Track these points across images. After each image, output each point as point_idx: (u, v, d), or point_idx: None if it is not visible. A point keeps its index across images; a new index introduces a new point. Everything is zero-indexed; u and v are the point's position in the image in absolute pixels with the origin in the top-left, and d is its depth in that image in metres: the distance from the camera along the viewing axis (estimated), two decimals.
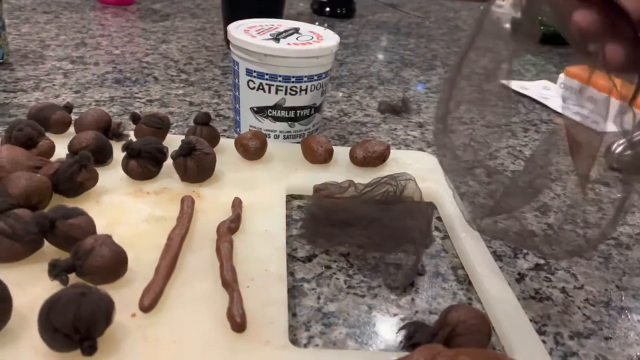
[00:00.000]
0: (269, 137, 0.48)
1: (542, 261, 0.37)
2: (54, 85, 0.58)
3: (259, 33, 0.46)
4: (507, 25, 1.22)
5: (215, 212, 0.36)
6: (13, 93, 0.54)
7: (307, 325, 0.30)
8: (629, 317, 0.33)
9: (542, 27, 1.02)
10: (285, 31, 0.48)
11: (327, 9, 1.05)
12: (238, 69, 0.46)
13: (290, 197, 0.41)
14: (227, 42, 0.78)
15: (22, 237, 0.29)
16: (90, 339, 0.24)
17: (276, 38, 0.45)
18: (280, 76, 0.45)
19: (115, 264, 0.28)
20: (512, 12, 1.16)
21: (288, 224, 0.38)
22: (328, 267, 0.35)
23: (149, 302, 0.27)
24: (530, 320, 0.31)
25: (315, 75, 0.46)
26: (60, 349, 0.24)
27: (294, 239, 0.37)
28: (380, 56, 0.83)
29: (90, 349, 0.24)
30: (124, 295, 0.28)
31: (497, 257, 0.37)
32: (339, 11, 1.05)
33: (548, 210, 0.44)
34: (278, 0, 0.74)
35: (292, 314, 0.30)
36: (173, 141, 0.43)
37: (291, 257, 0.35)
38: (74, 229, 0.30)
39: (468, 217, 0.36)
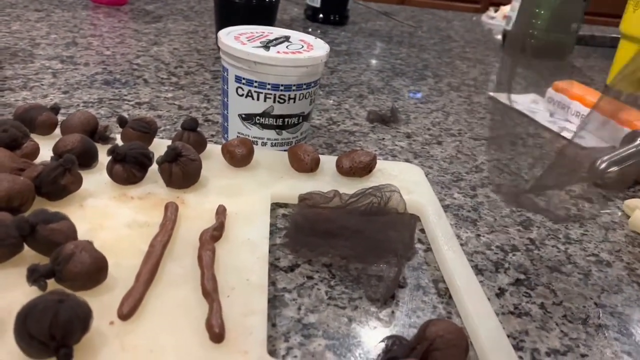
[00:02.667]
0: (257, 145, 0.48)
1: (522, 276, 0.38)
2: (42, 85, 0.57)
3: (249, 40, 0.46)
4: (499, 37, 1.24)
5: (199, 220, 0.36)
6: (0, 92, 0.54)
7: (286, 336, 0.30)
8: (606, 334, 0.34)
9: (533, 40, 1.03)
10: (276, 39, 0.48)
11: (321, 15, 1.05)
12: (227, 75, 0.46)
13: (276, 205, 0.42)
14: (219, 46, 0.78)
15: (1, 240, 0.29)
16: (66, 347, 0.24)
17: (266, 46, 0.46)
18: (269, 84, 0.45)
19: (95, 270, 0.28)
20: (503, 24, 1.17)
21: (272, 233, 0.38)
22: (310, 278, 0.35)
23: (128, 310, 0.27)
24: (508, 336, 0.32)
25: (304, 84, 0.46)
26: (36, 356, 0.24)
27: (277, 248, 0.37)
28: (372, 64, 0.84)
29: (66, 357, 0.24)
30: (104, 302, 0.28)
31: (479, 271, 0.38)
32: (332, 18, 1.05)
33: (531, 225, 0.45)
34: (271, 6, 0.74)
35: (272, 324, 0.30)
36: (160, 146, 0.43)
37: (273, 267, 0.35)
38: (54, 233, 0.30)
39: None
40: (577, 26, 1.00)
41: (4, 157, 0.35)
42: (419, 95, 0.72)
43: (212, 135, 0.52)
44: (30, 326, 0.23)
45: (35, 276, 0.27)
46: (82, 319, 0.24)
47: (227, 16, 0.72)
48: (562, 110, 0.71)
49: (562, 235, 0.44)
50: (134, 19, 0.89)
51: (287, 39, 0.49)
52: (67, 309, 0.24)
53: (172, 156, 0.38)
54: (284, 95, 0.46)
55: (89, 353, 0.25)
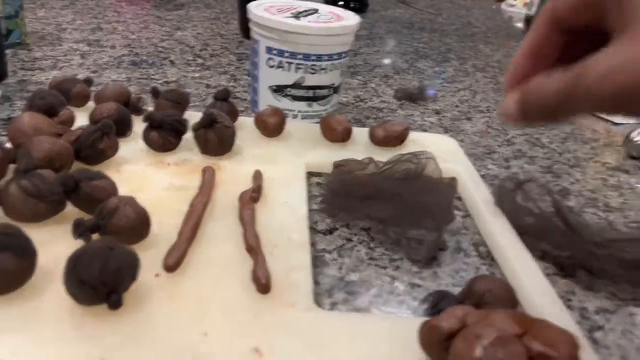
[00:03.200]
0: (287, 117, 0.47)
1: (566, 240, 0.37)
2: (72, 65, 0.58)
3: (279, 11, 0.46)
4: (520, 24, 1.23)
5: (236, 184, 0.36)
6: (31, 71, 0.54)
7: (330, 293, 0.29)
8: None
9: None
10: (305, 11, 0.48)
11: (340, 2, 1.04)
12: (258, 47, 0.46)
13: (309, 174, 0.41)
14: (243, 30, 0.78)
15: (46, 196, 0.29)
16: (116, 293, 0.24)
17: (297, 16, 0.45)
18: (300, 54, 0.45)
19: (139, 224, 0.28)
20: (524, 11, 1.16)
21: (308, 199, 0.38)
22: (349, 240, 0.34)
23: (173, 262, 0.27)
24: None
25: (335, 54, 0.46)
26: (86, 302, 0.24)
27: (314, 213, 0.37)
28: (395, 48, 0.83)
29: (116, 303, 0.23)
30: (147, 257, 0.28)
31: (520, 235, 0.37)
32: (351, 5, 1.05)
33: (568, 193, 0.44)
34: None
35: (315, 282, 0.30)
36: (192, 117, 0.42)
37: (312, 230, 0.35)
38: (97, 190, 0.30)
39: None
40: None
41: (43, 123, 0.35)
42: (431, 91, 0.71)
43: (241, 111, 0.52)
44: (80, 271, 0.23)
45: (81, 230, 0.27)
46: (131, 267, 0.24)
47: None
48: None
49: (601, 204, 0.43)
50: (156, 7, 0.89)
51: (316, 11, 0.49)
52: (116, 256, 0.24)
53: (208, 122, 0.38)
54: (315, 65, 0.45)
55: (138, 302, 0.25)
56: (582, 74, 0.21)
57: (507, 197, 0.37)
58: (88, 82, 0.44)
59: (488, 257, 0.34)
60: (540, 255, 0.35)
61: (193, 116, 0.43)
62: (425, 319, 0.27)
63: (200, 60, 0.65)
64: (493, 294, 0.27)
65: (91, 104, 0.44)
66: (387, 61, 0.75)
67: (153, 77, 0.58)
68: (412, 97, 0.60)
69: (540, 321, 0.23)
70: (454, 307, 0.24)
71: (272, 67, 0.46)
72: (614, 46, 0.21)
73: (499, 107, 0.28)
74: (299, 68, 0.45)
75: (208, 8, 0.94)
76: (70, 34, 0.68)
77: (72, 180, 0.29)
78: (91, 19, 0.77)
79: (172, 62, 0.63)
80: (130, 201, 0.28)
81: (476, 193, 0.39)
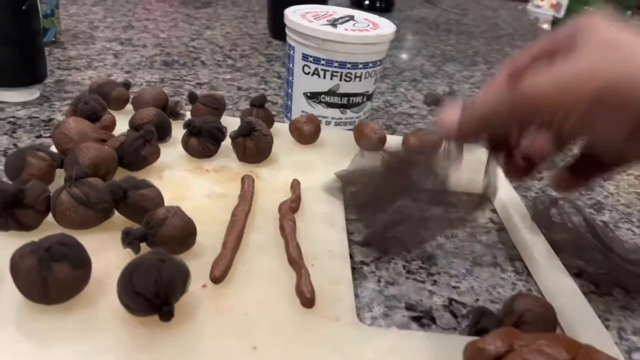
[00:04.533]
0: (320, 123, 0.48)
1: (601, 256, 0.37)
2: (106, 65, 0.58)
3: (315, 18, 0.46)
4: (546, 26, 1.21)
5: (275, 193, 0.36)
6: (67, 71, 0.55)
7: (369, 306, 0.30)
8: None
9: None
10: (341, 18, 0.48)
11: (366, 2, 1.04)
12: (294, 53, 0.46)
13: None
14: (271, 30, 0.78)
15: (95, 204, 0.29)
16: (169, 304, 0.24)
17: (333, 24, 0.46)
18: (336, 62, 0.45)
19: (186, 234, 0.29)
20: (551, 12, 1.14)
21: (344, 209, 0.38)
22: (386, 252, 0.35)
23: (220, 274, 0.28)
24: None
25: (371, 62, 0.46)
26: (139, 313, 0.24)
27: (350, 223, 0.37)
28: (422, 50, 0.83)
29: (168, 315, 0.24)
30: (193, 267, 0.28)
31: (556, 251, 0.37)
32: (377, 4, 1.05)
33: (602, 208, 0.44)
34: None
35: (355, 295, 0.30)
36: (227, 123, 0.43)
37: (349, 240, 0.35)
38: (144, 199, 0.30)
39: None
40: (631, 14, 0.97)
41: (87, 128, 0.36)
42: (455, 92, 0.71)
43: (273, 115, 0.52)
44: (136, 283, 0.24)
45: (130, 239, 0.28)
46: (182, 279, 0.25)
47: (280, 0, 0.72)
48: None
49: (635, 219, 0.43)
50: (184, 4, 0.90)
51: (352, 17, 0.49)
52: (169, 268, 0.24)
53: (247, 130, 0.38)
54: (350, 73, 0.46)
55: (187, 313, 0.26)
56: (516, 88, 0.25)
57: (543, 213, 0.37)
58: (127, 85, 0.45)
59: (524, 273, 0.34)
60: (576, 272, 0.35)
61: (230, 121, 0.44)
62: (466, 337, 0.27)
63: (230, 61, 0.65)
64: (533, 314, 0.27)
65: (129, 107, 0.45)
66: (415, 64, 0.75)
67: (185, 78, 0.58)
68: (442, 102, 0.60)
69: (588, 347, 0.23)
70: (500, 329, 0.24)
71: (307, 73, 0.46)
72: (549, 67, 0.24)
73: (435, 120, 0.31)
74: (335, 75, 0.45)
75: (235, 6, 0.94)
76: (103, 32, 0.69)
77: (121, 189, 0.30)
78: (122, 16, 0.77)
79: (203, 62, 0.64)
80: (178, 211, 0.29)
81: (510, 206, 0.39)
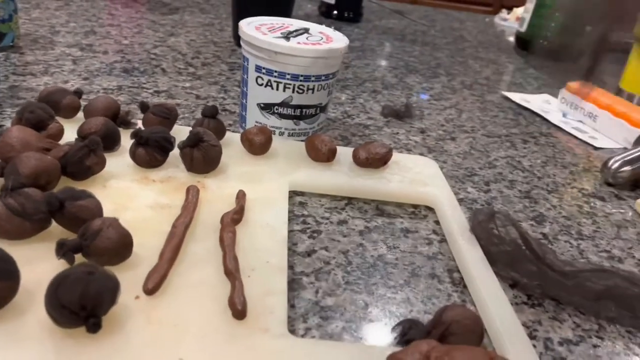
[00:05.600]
0: (274, 134, 0.48)
1: (535, 268, 0.38)
2: (63, 71, 0.58)
3: (270, 31, 0.47)
4: (511, 38, 1.25)
5: (220, 203, 0.37)
6: (22, 76, 0.55)
7: (304, 317, 0.30)
8: (617, 326, 0.34)
9: (545, 43, 1.04)
10: (296, 30, 0.49)
11: (335, 12, 1.06)
12: (248, 64, 0.47)
13: (293, 193, 0.42)
14: (235, 38, 0.78)
15: (31, 215, 0.29)
16: (96, 317, 0.24)
17: (287, 37, 0.46)
18: (288, 74, 0.46)
19: (122, 246, 0.29)
20: (516, 25, 1.18)
21: (289, 219, 0.39)
22: (327, 263, 0.35)
23: (153, 285, 0.28)
24: (522, 325, 0.32)
25: (323, 75, 0.47)
26: (66, 325, 0.25)
27: (294, 234, 0.38)
28: (385, 61, 0.84)
29: (95, 327, 0.24)
30: (128, 278, 0.28)
31: (493, 262, 0.38)
32: (346, 15, 1.06)
33: (543, 220, 0.45)
34: (288, 1, 0.75)
35: (291, 306, 0.31)
36: (180, 132, 0.43)
37: (291, 252, 0.36)
38: (82, 210, 0.30)
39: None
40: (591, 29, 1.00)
41: (31, 137, 0.36)
42: (423, 96, 0.72)
43: (230, 125, 0.53)
44: (61, 296, 0.24)
45: (64, 250, 0.28)
46: (111, 291, 0.25)
47: (244, 9, 0.73)
48: (575, 111, 0.71)
49: (574, 231, 0.44)
50: (151, 10, 0.90)
51: (306, 30, 0.49)
52: (97, 281, 0.25)
53: (194, 141, 0.39)
54: (302, 85, 0.46)
55: (116, 324, 0.26)
56: None
57: (481, 225, 0.38)
58: (78, 93, 0.45)
59: (460, 284, 0.35)
60: (511, 283, 0.36)
61: (181, 131, 0.44)
62: (396, 348, 0.28)
63: (191, 69, 0.66)
64: (460, 325, 0.28)
65: (81, 115, 0.45)
66: (376, 75, 0.76)
67: (144, 85, 0.58)
68: (399, 114, 0.62)
69: (501, 359, 0.24)
70: (420, 341, 0.25)
71: (260, 85, 0.47)
72: None
73: None
74: (287, 87, 0.46)
75: (203, 13, 0.94)
76: (64, 37, 0.69)
77: (57, 200, 0.30)
78: (85, 22, 0.77)
79: (163, 70, 0.64)
80: (114, 223, 0.29)
81: (452, 218, 0.40)
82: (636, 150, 0.55)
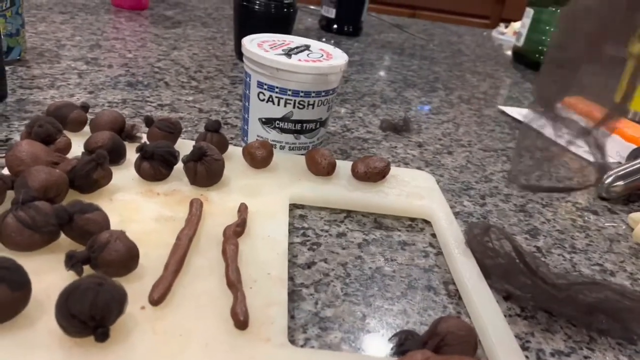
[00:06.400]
0: (275, 148, 0.50)
1: (528, 281, 0.39)
2: (69, 84, 0.60)
3: (271, 48, 0.48)
4: (509, 53, 1.26)
5: (222, 216, 0.38)
6: (29, 90, 0.56)
7: (304, 328, 0.31)
8: (607, 338, 0.35)
9: (541, 57, 1.05)
10: (297, 47, 0.50)
11: (335, 26, 1.07)
12: (250, 80, 0.48)
13: (293, 206, 0.43)
14: (237, 52, 0.80)
15: (41, 228, 0.30)
16: (104, 327, 0.25)
17: (288, 54, 0.48)
18: (289, 90, 0.47)
19: (129, 258, 0.30)
20: (513, 40, 1.19)
21: (290, 232, 0.40)
22: (326, 275, 0.36)
23: (158, 296, 0.29)
24: (515, 336, 0.33)
25: (323, 91, 0.48)
26: (75, 335, 0.26)
27: (295, 246, 0.39)
28: (384, 75, 0.86)
29: (103, 336, 0.25)
30: (134, 289, 0.30)
31: (487, 275, 0.39)
32: (345, 29, 1.08)
33: (538, 234, 0.46)
34: (289, 15, 0.76)
35: (291, 317, 0.32)
36: (183, 146, 0.44)
37: (291, 263, 0.37)
38: (90, 223, 0.31)
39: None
40: None
41: (40, 151, 0.37)
42: (426, 108, 0.73)
43: (232, 138, 0.54)
44: (71, 306, 0.25)
45: (73, 262, 0.29)
46: (118, 302, 0.26)
47: (246, 24, 0.74)
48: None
49: (567, 245, 0.45)
50: (154, 24, 0.91)
51: (307, 47, 0.51)
52: (106, 292, 0.26)
53: (198, 155, 0.40)
54: (303, 101, 0.48)
55: (123, 334, 0.27)
56: None
57: (477, 238, 0.39)
58: (85, 107, 0.46)
59: (456, 297, 0.36)
60: (505, 295, 0.37)
61: (185, 145, 0.45)
62: (392, 358, 0.29)
63: (194, 83, 0.67)
64: (455, 336, 0.29)
65: (87, 129, 0.46)
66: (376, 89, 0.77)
67: (148, 99, 0.60)
68: (397, 128, 0.63)
69: None
70: (415, 352, 0.26)
71: (262, 100, 0.48)
72: None
73: None
74: (288, 103, 0.47)
75: (205, 27, 0.96)
76: (69, 51, 0.70)
77: (67, 213, 0.31)
78: (90, 35, 0.79)
79: (167, 83, 0.65)
80: (121, 236, 0.30)
81: (448, 232, 0.41)
82: (629, 165, 0.56)
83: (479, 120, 0.72)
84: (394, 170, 0.49)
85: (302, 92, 0.47)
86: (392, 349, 0.30)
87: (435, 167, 0.56)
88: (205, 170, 0.40)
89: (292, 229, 0.41)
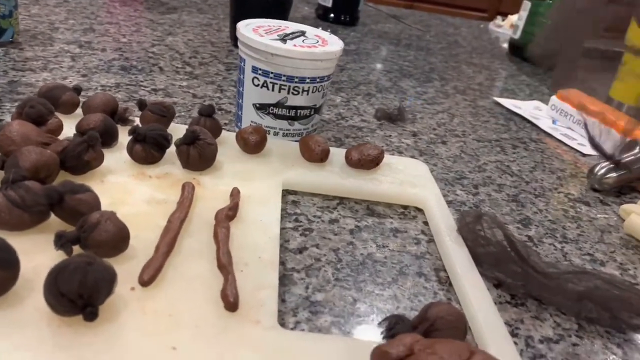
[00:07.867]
0: (269, 134, 0.49)
1: (520, 270, 0.39)
2: (62, 67, 0.59)
3: (267, 33, 0.48)
4: (505, 45, 1.26)
5: (214, 200, 0.38)
6: (22, 72, 0.56)
7: (294, 311, 0.31)
8: (596, 327, 0.35)
9: (537, 50, 1.05)
10: (292, 33, 0.50)
11: (332, 15, 1.07)
12: (244, 65, 0.48)
13: (286, 192, 0.43)
14: (233, 39, 0.80)
15: (30, 207, 0.30)
16: (93, 306, 0.25)
17: (283, 39, 0.47)
18: (284, 76, 0.47)
19: (119, 239, 0.30)
20: (510, 32, 1.19)
21: (282, 217, 0.40)
22: (318, 260, 0.36)
23: (148, 277, 0.29)
24: (505, 323, 0.33)
25: (318, 77, 0.48)
26: (63, 313, 0.25)
27: (287, 231, 0.39)
28: (380, 65, 0.86)
29: (92, 315, 0.25)
30: (124, 270, 0.29)
31: (479, 263, 0.39)
32: (342, 18, 1.07)
33: (529, 223, 0.47)
34: (285, 3, 0.76)
35: (281, 300, 0.32)
36: (177, 130, 0.44)
37: (283, 248, 0.37)
38: (80, 203, 0.31)
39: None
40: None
41: (31, 132, 0.37)
42: (411, 99, 0.73)
43: (225, 124, 0.54)
44: (60, 284, 0.25)
45: (62, 241, 0.29)
46: (108, 281, 0.26)
47: (242, 10, 0.74)
48: (564, 118, 0.73)
49: (559, 235, 0.46)
50: (149, 9, 0.91)
51: (302, 33, 0.51)
52: (95, 271, 0.26)
53: (191, 139, 0.40)
54: (297, 87, 0.47)
55: (112, 314, 0.27)
56: None
57: (468, 226, 0.40)
58: (77, 90, 0.46)
59: (446, 283, 0.37)
60: (496, 283, 0.37)
61: (178, 129, 0.45)
62: (381, 342, 0.29)
63: (189, 69, 0.66)
64: (445, 321, 0.30)
65: (79, 111, 0.46)
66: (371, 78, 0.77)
67: (141, 83, 0.59)
68: (391, 117, 0.63)
69: (482, 353, 0.25)
70: (405, 335, 0.26)
71: (257, 85, 0.48)
72: None
73: None
74: (282, 88, 0.47)
75: (201, 13, 0.95)
76: (63, 34, 0.69)
77: (57, 193, 0.31)
78: (84, 19, 0.78)
79: (161, 68, 0.65)
80: (112, 216, 0.30)
81: (441, 219, 0.41)
82: (622, 157, 0.56)
83: (473, 111, 0.72)
84: (387, 158, 0.49)
85: (296, 77, 0.47)
86: (381, 333, 0.30)
87: (429, 157, 0.55)
88: (198, 154, 0.40)
89: (284, 215, 0.40)
